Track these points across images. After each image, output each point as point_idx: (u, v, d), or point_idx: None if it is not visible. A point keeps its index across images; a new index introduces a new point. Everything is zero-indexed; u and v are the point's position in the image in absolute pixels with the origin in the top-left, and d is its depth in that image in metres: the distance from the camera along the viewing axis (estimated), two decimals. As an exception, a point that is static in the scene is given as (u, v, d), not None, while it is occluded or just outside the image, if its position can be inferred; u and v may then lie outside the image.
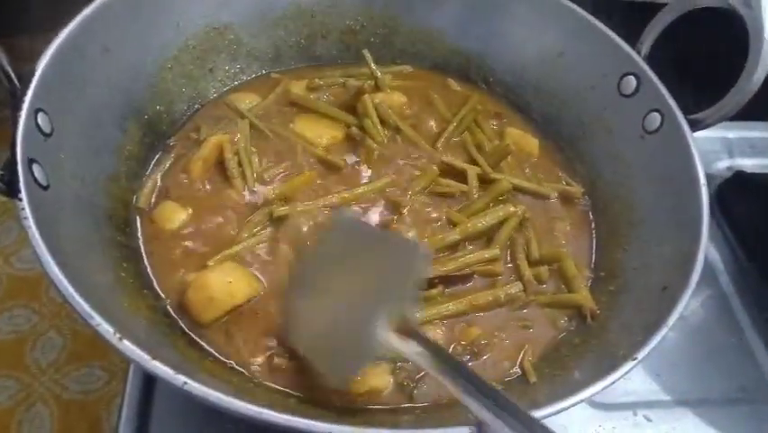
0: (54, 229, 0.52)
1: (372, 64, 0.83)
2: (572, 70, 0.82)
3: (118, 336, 0.44)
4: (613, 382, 0.50)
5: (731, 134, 1.04)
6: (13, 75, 0.56)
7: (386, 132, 0.78)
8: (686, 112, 0.71)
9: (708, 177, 0.67)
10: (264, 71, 0.86)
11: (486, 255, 0.68)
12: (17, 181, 0.51)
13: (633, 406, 0.72)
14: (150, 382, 0.66)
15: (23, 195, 0.50)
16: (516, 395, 0.58)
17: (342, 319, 0.52)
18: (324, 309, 0.54)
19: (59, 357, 1.28)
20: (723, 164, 1.01)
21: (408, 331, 0.49)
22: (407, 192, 0.73)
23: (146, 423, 0.65)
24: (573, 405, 0.48)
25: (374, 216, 0.71)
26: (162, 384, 0.45)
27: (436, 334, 0.62)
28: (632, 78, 0.75)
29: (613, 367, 0.51)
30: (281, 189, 0.70)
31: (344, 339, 0.51)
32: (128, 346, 0.44)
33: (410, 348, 0.48)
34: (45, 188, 0.54)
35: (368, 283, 0.52)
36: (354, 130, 0.77)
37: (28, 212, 0.49)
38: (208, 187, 0.71)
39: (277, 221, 0.67)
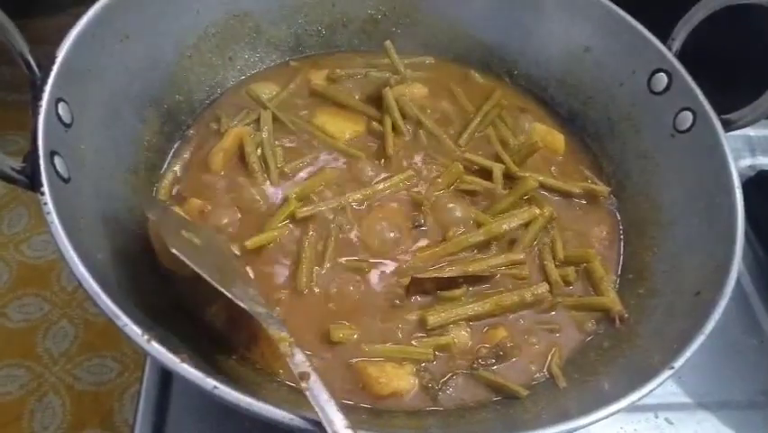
0: (75, 223, 0.50)
1: (396, 57, 0.81)
2: (600, 65, 0.80)
3: (146, 337, 0.43)
4: (650, 392, 0.49)
5: (752, 132, 1.02)
6: (33, 63, 0.54)
7: (408, 126, 0.77)
8: (718, 111, 0.69)
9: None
10: (284, 60, 0.84)
11: (511, 258, 0.66)
12: (39, 174, 0.49)
13: (654, 408, 0.72)
14: (167, 375, 0.65)
15: (46, 188, 0.48)
16: (546, 401, 0.57)
17: None
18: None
19: (71, 347, 1.27)
20: (744, 163, 0.99)
21: None
22: (431, 189, 0.71)
23: (163, 417, 0.64)
24: (611, 414, 0.47)
25: (397, 214, 0.69)
26: (180, 379, 0.44)
27: (462, 335, 0.61)
28: (663, 74, 0.73)
29: (648, 376, 0.50)
30: (302, 189, 0.68)
31: None
32: (156, 348, 0.43)
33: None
34: (66, 180, 0.53)
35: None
36: (376, 125, 0.75)
37: (51, 206, 0.48)
38: (228, 180, 0.69)
39: (299, 221, 0.66)
